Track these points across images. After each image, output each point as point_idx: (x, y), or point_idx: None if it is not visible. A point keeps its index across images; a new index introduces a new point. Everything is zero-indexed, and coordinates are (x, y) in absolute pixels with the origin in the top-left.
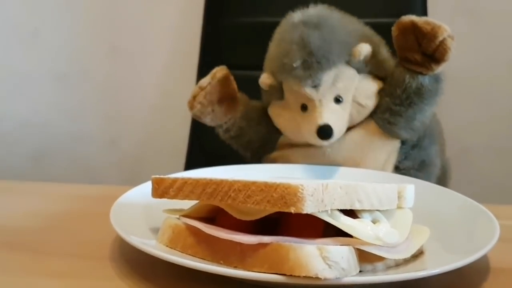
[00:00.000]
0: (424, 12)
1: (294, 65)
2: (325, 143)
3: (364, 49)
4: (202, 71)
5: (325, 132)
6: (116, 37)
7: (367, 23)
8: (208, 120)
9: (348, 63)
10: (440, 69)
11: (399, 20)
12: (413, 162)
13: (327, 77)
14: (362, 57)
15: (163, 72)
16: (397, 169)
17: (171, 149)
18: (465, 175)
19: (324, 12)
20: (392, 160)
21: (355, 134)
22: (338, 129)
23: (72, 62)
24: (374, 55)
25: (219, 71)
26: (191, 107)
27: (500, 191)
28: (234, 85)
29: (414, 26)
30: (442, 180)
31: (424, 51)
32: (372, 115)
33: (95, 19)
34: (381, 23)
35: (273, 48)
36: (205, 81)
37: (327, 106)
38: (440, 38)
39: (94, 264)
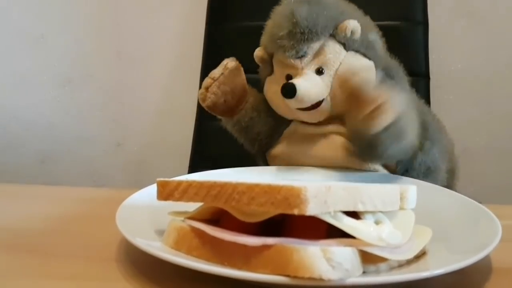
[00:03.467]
0: (424, 15)
1: (280, 34)
2: (291, 102)
3: (351, 24)
4: (206, 75)
5: (286, 89)
6: (121, 42)
7: None
8: (219, 112)
9: (335, 37)
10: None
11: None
12: (417, 172)
13: (311, 48)
14: (348, 32)
15: (167, 76)
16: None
17: (175, 151)
18: (466, 176)
19: None
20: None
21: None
22: (309, 93)
23: (78, 66)
24: (363, 34)
25: (230, 62)
26: (204, 98)
27: (501, 191)
28: (244, 77)
29: (356, 91)
30: (450, 182)
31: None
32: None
33: (100, 25)
34: (382, 26)
35: (268, 23)
36: (217, 71)
37: (306, 74)
38: (374, 107)
39: (101, 266)
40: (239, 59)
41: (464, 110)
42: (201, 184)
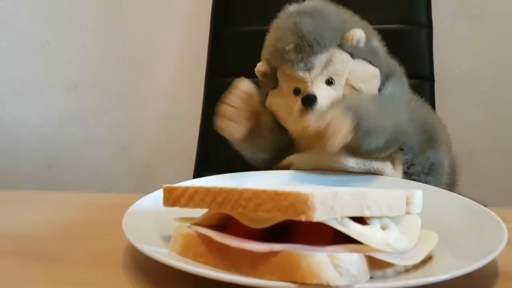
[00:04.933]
0: (428, 18)
1: (287, 48)
2: (310, 112)
3: (357, 34)
4: (210, 79)
5: (308, 99)
6: (126, 47)
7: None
8: (236, 138)
9: (341, 47)
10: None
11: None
12: (422, 167)
13: (319, 60)
14: (355, 42)
15: (172, 81)
16: (406, 174)
17: (180, 155)
18: (471, 178)
19: (319, 3)
20: (400, 166)
21: None
22: (325, 103)
23: (83, 72)
24: (368, 42)
25: (244, 85)
26: (220, 126)
27: (507, 193)
28: (258, 97)
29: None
30: (452, 178)
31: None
32: None
33: (105, 30)
34: (386, 29)
35: (269, 36)
36: (232, 97)
37: (317, 86)
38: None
39: (107, 272)
40: (244, 63)
41: (469, 112)
42: (207, 190)
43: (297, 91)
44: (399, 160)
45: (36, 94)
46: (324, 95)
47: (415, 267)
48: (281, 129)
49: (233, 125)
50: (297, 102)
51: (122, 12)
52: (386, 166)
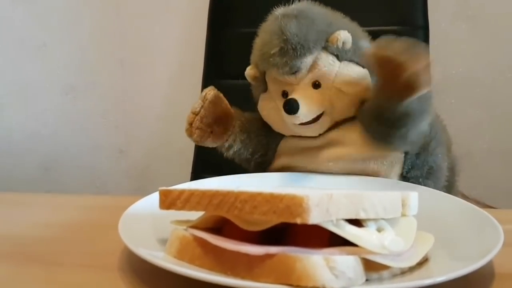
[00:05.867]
0: (424, 19)
1: (272, 52)
2: (293, 119)
3: (342, 36)
4: (207, 81)
5: (289, 104)
6: (123, 49)
7: (368, 31)
8: (209, 143)
9: (327, 49)
10: (419, 95)
11: (374, 51)
12: (420, 171)
13: (304, 63)
14: (340, 44)
15: (169, 83)
16: (405, 179)
17: (178, 158)
18: (469, 179)
19: (306, 5)
20: (397, 170)
21: (355, 147)
22: (310, 108)
23: (80, 74)
24: (355, 43)
25: (208, 92)
26: (190, 134)
27: (504, 195)
28: (226, 101)
29: (388, 58)
30: (450, 179)
31: (400, 81)
32: (367, 131)
33: (102, 32)
34: (382, 30)
35: (257, 40)
36: (197, 105)
37: (303, 89)
38: (413, 70)
39: (103, 275)
40: (241, 65)
41: (466, 114)
42: (203, 193)
43: (284, 94)
44: (400, 163)
45: (33, 96)
46: (308, 99)
47: (411, 269)
48: (260, 133)
49: (198, 131)
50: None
51: (119, 14)
52: (382, 168)
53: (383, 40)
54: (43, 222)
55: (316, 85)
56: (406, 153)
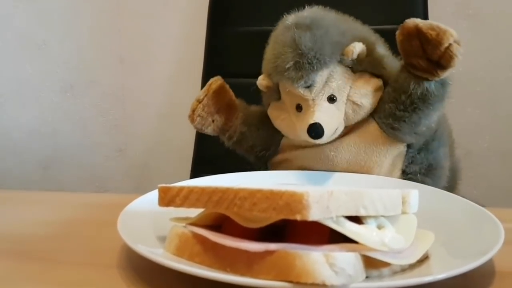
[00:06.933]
0: (425, 18)
1: (286, 66)
2: (316, 141)
3: (357, 48)
4: (207, 80)
5: (315, 130)
6: (123, 47)
7: None
8: (209, 131)
9: (341, 62)
10: (446, 74)
11: (403, 25)
12: (419, 167)
13: (320, 77)
14: (355, 56)
15: (168, 81)
16: (404, 173)
17: (177, 156)
18: (469, 178)
19: (317, 13)
20: (399, 164)
21: (358, 137)
22: (331, 127)
23: (80, 72)
24: (369, 53)
25: (214, 82)
26: (192, 120)
27: (504, 194)
28: (231, 93)
29: (418, 31)
30: (452, 181)
31: (429, 57)
32: (376, 119)
33: (102, 30)
34: (382, 29)
35: (268, 50)
36: (202, 93)
37: (320, 105)
38: (446, 45)
39: (102, 273)
40: (240, 63)
41: (466, 113)
42: (202, 190)
43: (299, 107)
44: (401, 156)
45: (32, 94)
46: (329, 118)
47: (411, 266)
48: (261, 127)
49: (199, 119)
50: (301, 121)
51: (119, 13)
52: (384, 160)
53: (411, 19)
54: (42, 220)
55: (331, 99)
56: (408, 147)
